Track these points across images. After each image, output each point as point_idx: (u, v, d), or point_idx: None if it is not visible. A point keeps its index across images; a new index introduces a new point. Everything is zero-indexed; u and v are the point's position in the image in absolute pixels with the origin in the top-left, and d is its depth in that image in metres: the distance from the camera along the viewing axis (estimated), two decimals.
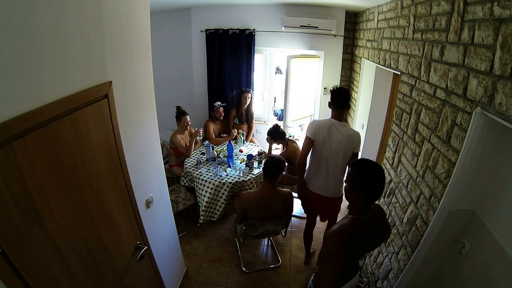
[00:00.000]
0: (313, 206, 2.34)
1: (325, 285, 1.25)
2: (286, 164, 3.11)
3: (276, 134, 3.16)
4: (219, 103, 3.53)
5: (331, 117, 2.14)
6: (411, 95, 1.79)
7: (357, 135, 2.10)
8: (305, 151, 2.13)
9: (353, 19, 3.55)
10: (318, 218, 2.89)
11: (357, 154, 2.13)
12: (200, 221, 2.81)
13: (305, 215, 3.34)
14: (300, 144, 2.87)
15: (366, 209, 1.30)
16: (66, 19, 0.96)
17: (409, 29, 1.85)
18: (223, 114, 3.59)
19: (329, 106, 2.18)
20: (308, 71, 3.75)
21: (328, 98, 3.80)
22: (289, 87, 3.54)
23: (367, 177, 1.24)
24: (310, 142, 2.12)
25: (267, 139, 3.26)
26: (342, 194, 2.24)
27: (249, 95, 3.67)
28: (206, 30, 3.62)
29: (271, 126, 3.25)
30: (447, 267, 1.48)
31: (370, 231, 1.32)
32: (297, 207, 3.48)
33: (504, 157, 1.19)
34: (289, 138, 3.30)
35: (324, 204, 2.26)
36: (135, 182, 1.50)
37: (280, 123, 3.59)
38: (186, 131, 3.23)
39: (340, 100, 2.08)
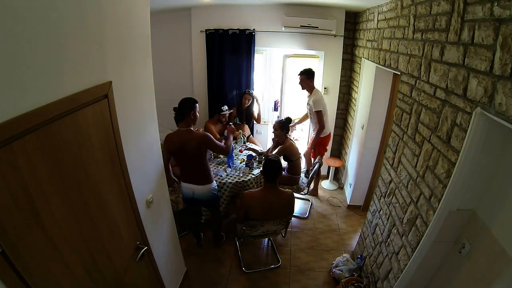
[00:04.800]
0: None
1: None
2: (286, 163, 3.12)
3: (287, 126, 3.12)
4: (226, 107, 3.47)
5: (315, 89, 3.35)
6: (411, 95, 1.79)
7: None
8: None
9: (353, 19, 3.55)
10: (316, 220, 2.93)
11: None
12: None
13: (305, 216, 3.37)
14: (296, 143, 3.27)
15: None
16: (66, 19, 0.96)
17: (409, 29, 1.85)
18: (228, 119, 3.58)
19: (309, 82, 3.30)
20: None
21: (328, 98, 3.82)
22: (284, 86, 3.54)
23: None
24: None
25: (274, 132, 3.16)
26: None
27: (250, 97, 3.66)
28: (206, 30, 3.62)
29: (283, 118, 3.18)
30: (447, 267, 1.48)
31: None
32: (297, 207, 3.49)
33: (504, 157, 1.19)
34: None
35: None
36: (135, 182, 1.50)
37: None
38: None
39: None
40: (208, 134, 2.28)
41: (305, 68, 3.29)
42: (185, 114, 2.18)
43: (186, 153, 2.23)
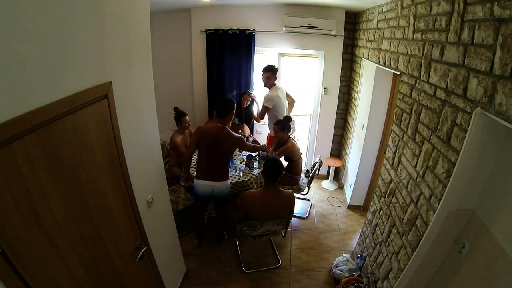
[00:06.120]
0: None
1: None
2: (286, 163, 3.12)
3: (288, 125, 3.09)
4: None
5: (275, 85, 3.34)
6: (411, 95, 1.79)
7: None
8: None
9: (353, 19, 3.55)
10: (316, 220, 2.91)
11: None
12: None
13: (305, 216, 3.37)
14: (298, 143, 3.28)
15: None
16: (66, 19, 0.96)
17: (409, 29, 1.85)
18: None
19: (274, 79, 3.33)
20: (304, 69, 3.75)
21: (328, 98, 3.82)
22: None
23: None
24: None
25: (275, 134, 3.15)
26: None
27: (249, 97, 3.66)
28: (206, 30, 3.62)
29: (281, 119, 3.16)
30: (447, 267, 1.48)
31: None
32: (297, 207, 3.49)
33: (504, 157, 1.19)
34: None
35: None
36: (135, 182, 1.50)
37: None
38: (186, 131, 3.23)
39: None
40: (242, 136, 2.56)
41: (268, 64, 3.31)
42: (225, 113, 2.38)
43: (216, 148, 2.35)
